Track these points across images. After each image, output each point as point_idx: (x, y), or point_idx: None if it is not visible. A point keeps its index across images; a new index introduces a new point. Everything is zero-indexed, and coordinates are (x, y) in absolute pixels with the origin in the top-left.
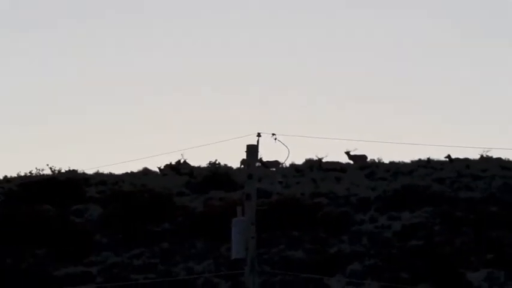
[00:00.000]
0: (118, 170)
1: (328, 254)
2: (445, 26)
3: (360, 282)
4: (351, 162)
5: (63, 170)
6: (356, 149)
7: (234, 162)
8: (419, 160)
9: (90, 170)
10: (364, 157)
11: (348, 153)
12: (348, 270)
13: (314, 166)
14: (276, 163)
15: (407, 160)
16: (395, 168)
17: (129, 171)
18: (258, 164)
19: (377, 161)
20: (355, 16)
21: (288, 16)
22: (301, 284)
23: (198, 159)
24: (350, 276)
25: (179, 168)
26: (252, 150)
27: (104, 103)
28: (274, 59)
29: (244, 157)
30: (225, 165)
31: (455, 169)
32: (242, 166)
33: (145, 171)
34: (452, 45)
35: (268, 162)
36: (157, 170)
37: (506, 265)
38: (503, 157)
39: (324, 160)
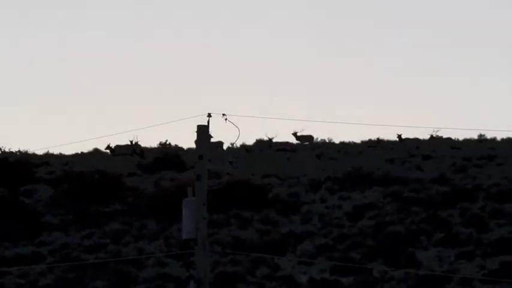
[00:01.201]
0: (68, 151)
1: (279, 234)
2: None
3: (310, 262)
4: (298, 142)
5: (13, 151)
6: (303, 129)
7: (185, 143)
8: (370, 140)
9: (40, 151)
10: (310, 137)
11: (295, 134)
12: (298, 250)
13: (265, 146)
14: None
15: (358, 140)
16: (346, 149)
17: (79, 152)
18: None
19: (327, 141)
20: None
21: None
22: (252, 264)
23: (149, 140)
24: (301, 256)
25: (130, 149)
26: (203, 130)
27: (55, 83)
28: (222, 40)
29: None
30: (176, 145)
31: (406, 149)
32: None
33: (96, 152)
34: (401, 24)
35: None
36: (108, 151)
37: (455, 244)
38: (453, 137)
39: (274, 140)
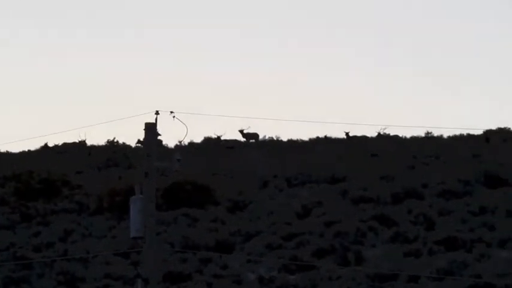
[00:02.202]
0: (15, 149)
1: (227, 232)
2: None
3: (259, 260)
4: (244, 140)
5: None
6: (249, 126)
7: (133, 141)
8: (318, 138)
9: None
10: (256, 135)
11: (241, 131)
12: (247, 248)
13: (213, 144)
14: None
15: (306, 138)
16: (294, 146)
17: (26, 150)
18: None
19: (275, 139)
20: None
21: None
22: (200, 262)
23: (97, 138)
24: (249, 254)
25: (77, 147)
26: (151, 128)
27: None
28: (170, 36)
29: (143, 135)
30: (124, 143)
31: (354, 147)
32: (139, 145)
33: (44, 150)
34: (328, 24)
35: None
36: (56, 148)
37: (403, 242)
38: (400, 135)
39: (222, 138)
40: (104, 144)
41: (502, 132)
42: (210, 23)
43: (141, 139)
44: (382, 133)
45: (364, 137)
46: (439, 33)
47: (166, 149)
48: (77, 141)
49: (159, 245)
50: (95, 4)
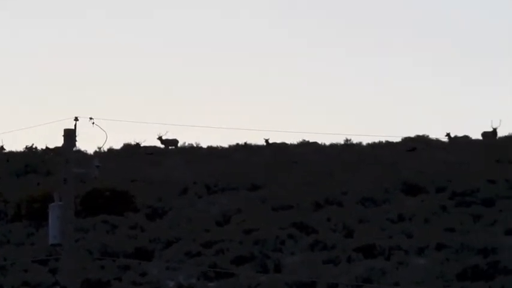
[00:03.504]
0: None
1: (146, 239)
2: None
3: (178, 267)
4: (163, 146)
5: None
6: (167, 131)
7: (52, 147)
8: (237, 145)
9: None
10: (176, 141)
11: (160, 138)
12: (166, 255)
13: (132, 151)
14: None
15: (225, 145)
16: (213, 153)
17: None
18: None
19: (195, 145)
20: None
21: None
22: (119, 269)
23: (15, 144)
24: (168, 261)
25: None
26: (70, 134)
27: None
28: (87, 41)
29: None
30: (42, 149)
31: (273, 154)
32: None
33: None
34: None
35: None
36: None
37: (322, 249)
38: (319, 142)
39: (142, 145)
40: (22, 150)
41: (420, 139)
42: (130, 27)
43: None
44: (302, 141)
45: (284, 144)
46: (354, 41)
47: (85, 155)
48: None
49: (78, 252)
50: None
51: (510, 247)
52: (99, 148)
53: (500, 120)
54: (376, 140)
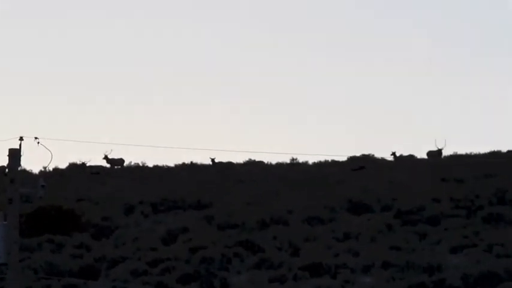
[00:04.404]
0: None
1: (92, 258)
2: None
3: (124, 286)
4: (109, 165)
5: None
6: (112, 150)
7: None
8: (183, 164)
9: None
10: (121, 161)
11: (106, 157)
12: (112, 274)
13: (78, 170)
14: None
15: (171, 164)
16: (160, 172)
17: None
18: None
19: (141, 164)
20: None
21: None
22: None
23: None
24: (114, 281)
25: None
26: (15, 154)
27: None
28: (30, 60)
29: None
30: None
31: (219, 173)
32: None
33: None
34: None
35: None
36: None
37: (268, 268)
38: (265, 161)
39: (88, 164)
40: None
41: (366, 159)
42: (72, 48)
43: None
44: (248, 160)
45: (230, 163)
46: (304, 59)
47: (30, 175)
48: None
49: (23, 272)
50: None
51: (455, 265)
52: (45, 168)
53: (445, 141)
54: (322, 159)
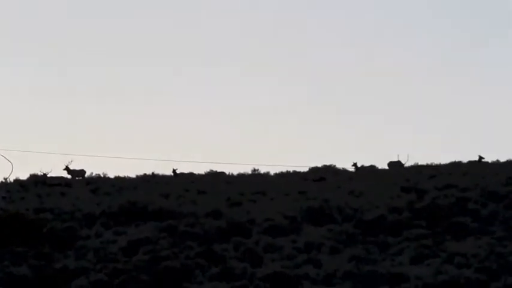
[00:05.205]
0: None
1: (53, 269)
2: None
3: None
4: (69, 177)
5: None
6: (72, 160)
7: None
8: (145, 175)
9: None
10: (83, 172)
11: (67, 168)
12: (73, 285)
13: (39, 181)
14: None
15: (133, 175)
16: (121, 183)
17: None
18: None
19: (102, 175)
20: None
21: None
22: None
23: None
24: None
25: None
26: None
27: None
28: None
29: None
30: None
31: (181, 184)
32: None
33: None
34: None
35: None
36: None
37: (230, 279)
38: (227, 172)
39: (48, 175)
40: None
41: (327, 169)
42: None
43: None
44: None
45: (191, 174)
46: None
47: None
48: None
49: None
50: None
51: (416, 275)
52: (5, 179)
53: (408, 155)
54: (284, 170)
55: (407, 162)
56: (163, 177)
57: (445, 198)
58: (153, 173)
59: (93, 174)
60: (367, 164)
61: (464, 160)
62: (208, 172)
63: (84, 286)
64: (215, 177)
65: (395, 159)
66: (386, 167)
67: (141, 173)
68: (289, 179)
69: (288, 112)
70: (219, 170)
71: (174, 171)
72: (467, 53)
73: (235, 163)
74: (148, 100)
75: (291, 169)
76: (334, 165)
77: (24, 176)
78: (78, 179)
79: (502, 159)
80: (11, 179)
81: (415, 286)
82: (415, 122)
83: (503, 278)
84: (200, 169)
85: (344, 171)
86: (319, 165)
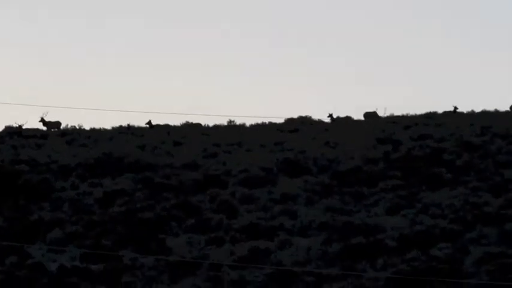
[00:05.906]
0: None
1: (28, 221)
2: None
3: (61, 249)
4: (45, 128)
5: None
6: (47, 112)
7: None
8: (121, 127)
9: None
10: (59, 123)
11: (42, 120)
12: (48, 237)
13: (14, 133)
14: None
15: (108, 126)
16: (96, 135)
17: None
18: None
19: (78, 127)
20: None
21: None
22: (0, 252)
23: None
24: (51, 244)
25: None
26: None
27: None
28: None
29: None
30: None
31: (157, 135)
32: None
33: None
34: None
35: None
36: None
37: (206, 230)
38: (203, 123)
39: (24, 127)
40: None
41: (303, 120)
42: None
43: None
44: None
45: (167, 126)
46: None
47: None
48: None
49: None
50: None
51: (392, 226)
52: None
53: (385, 108)
54: (260, 121)
55: (383, 113)
56: (139, 128)
57: (420, 149)
58: (128, 125)
59: (69, 126)
60: (342, 115)
61: (440, 110)
62: (184, 123)
63: (60, 238)
64: (191, 129)
65: (371, 110)
66: (362, 118)
67: (116, 124)
68: (264, 130)
69: (263, 63)
70: (194, 122)
71: (149, 122)
72: (440, 1)
73: (210, 114)
74: (127, 52)
75: (266, 120)
76: (310, 116)
77: None
78: (54, 131)
79: (477, 110)
80: None
81: (391, 236)
82: (390, 73)
83: (478, 228)
84: (176, 121)
85: (320, 122)
86: (295, 116)
